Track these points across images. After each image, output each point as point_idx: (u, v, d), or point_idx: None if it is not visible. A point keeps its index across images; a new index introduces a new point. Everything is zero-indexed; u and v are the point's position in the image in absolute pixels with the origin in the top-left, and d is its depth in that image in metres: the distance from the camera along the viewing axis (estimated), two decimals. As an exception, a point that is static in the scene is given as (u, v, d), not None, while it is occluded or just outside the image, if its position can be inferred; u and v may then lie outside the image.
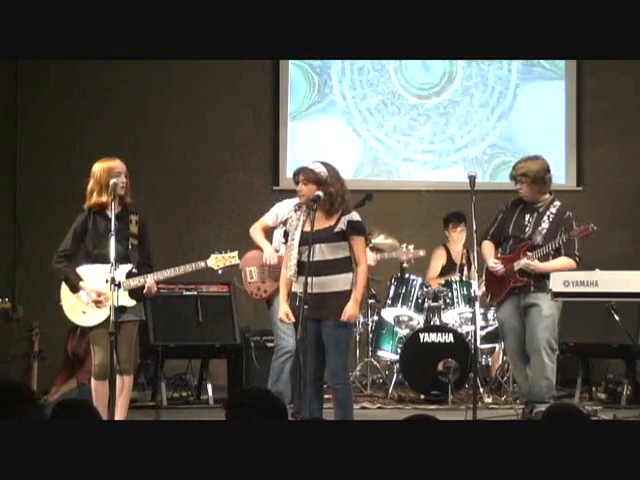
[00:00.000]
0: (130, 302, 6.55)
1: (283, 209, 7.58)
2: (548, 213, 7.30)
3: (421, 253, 7.55)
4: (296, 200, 7.47)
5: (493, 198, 8.30)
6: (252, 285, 7.57)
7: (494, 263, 7.34)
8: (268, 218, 7.72)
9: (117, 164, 6.54)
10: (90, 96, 9.99)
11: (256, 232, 7.66)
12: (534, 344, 7.17)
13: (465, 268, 9.18)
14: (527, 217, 7.34)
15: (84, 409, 3.94)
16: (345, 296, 6.29)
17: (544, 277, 7.14)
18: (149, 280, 6.54)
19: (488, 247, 7.48)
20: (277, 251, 7.56)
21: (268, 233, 7.72)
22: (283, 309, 6.43)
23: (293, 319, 6.34)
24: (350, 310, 6.28)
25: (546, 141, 10.21)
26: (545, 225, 7.27)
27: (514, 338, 7.35)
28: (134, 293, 6.57)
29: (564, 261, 7.22)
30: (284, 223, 7.43)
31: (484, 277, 7.63)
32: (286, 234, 6.55)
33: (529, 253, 7.23)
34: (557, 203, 7.36)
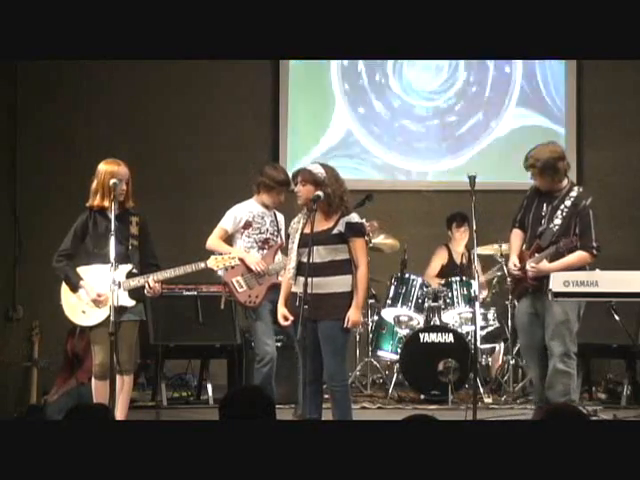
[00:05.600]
0: (130, 302, 6.56)
1: (241, 211, 7.36)
2: (562, 207, 6.79)
3: (375, 224, 7.40)
4: (253, 202, 7.44)
5: (493, 198, 8.30)
6: (243, 294, 7.31)
7: (514, 265, 6.89)
8: (225, 224, 7.36)
9: (120, 170, 6.55)
10: (90, 96, 9.98)
11: (217, 243, 7.30)
12: (550, 351, 6.86)
13: (466, 268, 9.18)
14: (544, 207, 6.86)
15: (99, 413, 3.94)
16: (343, 297, 6.26)
17: None
18: (151, 281, 6.53)
19: (514, 236, 7.00)
20: None
21: (228, 242, 7.38)
22: (280, 311, 6.43)
23: (291, 318, 6.34)
24: (352, 317, 6.23)
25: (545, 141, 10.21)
26: (558, 221, 6.78)
27: (525, 337, 7.03)
28: (134, 293, 6.58)
29: (577, 256, 6.75)
30: (245, 227, 7.34)
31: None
32: (288, 236, 6.52)
33: (537, 254, 6.80)
34: (573, 194, 6.82)
